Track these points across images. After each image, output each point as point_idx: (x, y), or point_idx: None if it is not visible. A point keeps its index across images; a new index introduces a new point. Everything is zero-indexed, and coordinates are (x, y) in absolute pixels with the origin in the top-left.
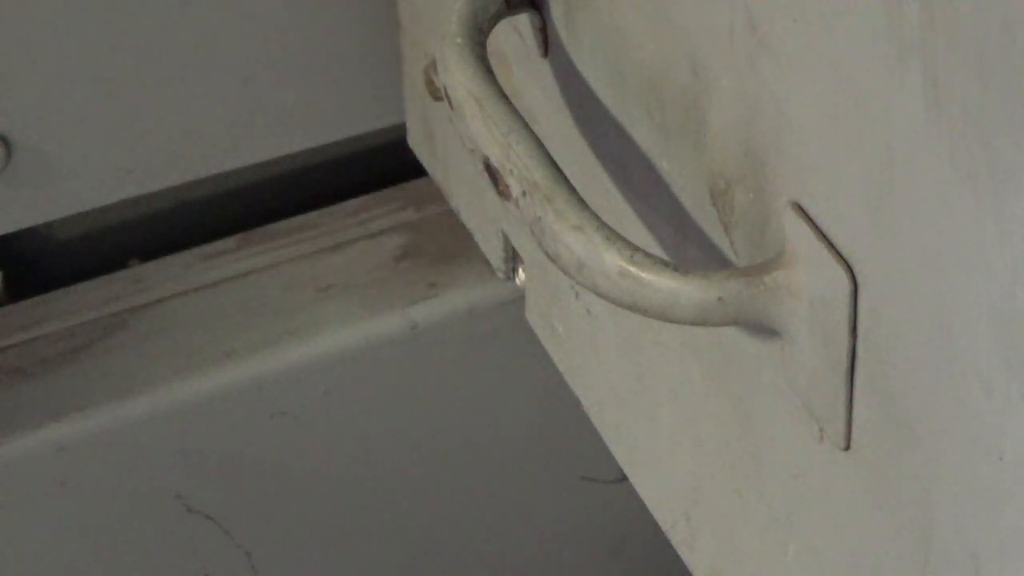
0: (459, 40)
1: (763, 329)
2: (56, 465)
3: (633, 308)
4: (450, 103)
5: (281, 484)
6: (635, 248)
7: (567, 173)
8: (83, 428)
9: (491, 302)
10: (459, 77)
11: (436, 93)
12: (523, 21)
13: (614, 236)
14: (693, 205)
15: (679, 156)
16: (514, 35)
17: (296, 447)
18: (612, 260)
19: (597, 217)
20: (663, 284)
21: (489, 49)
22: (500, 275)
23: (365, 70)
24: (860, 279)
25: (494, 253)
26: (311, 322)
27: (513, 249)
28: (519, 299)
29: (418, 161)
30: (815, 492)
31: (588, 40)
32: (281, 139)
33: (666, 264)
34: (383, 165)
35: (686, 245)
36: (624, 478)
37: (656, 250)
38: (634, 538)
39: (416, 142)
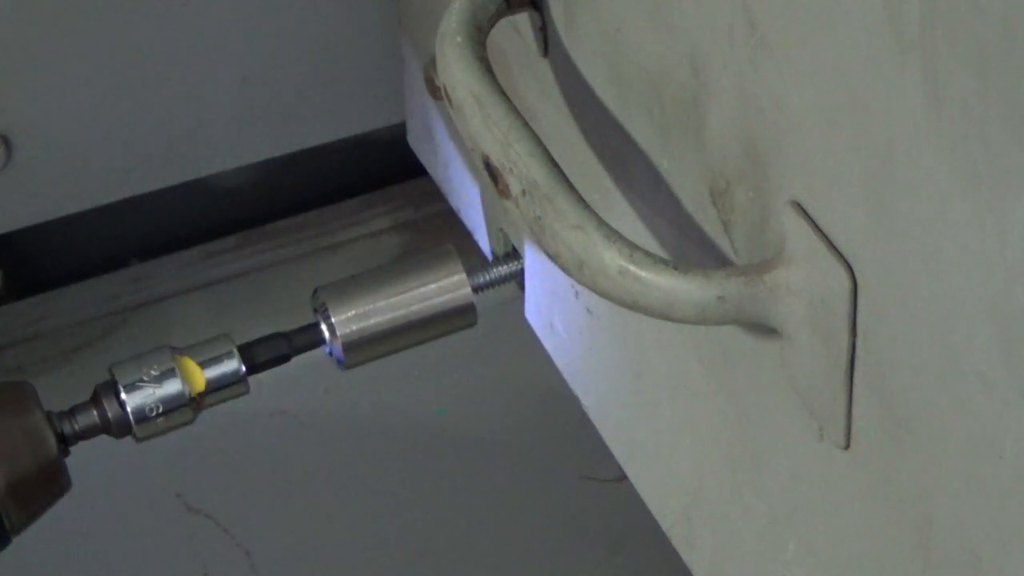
0: (459, 39)
1: (763, 328)
2: None
3: (633, 307)
4: (450, 102)
5: (281, 484)
6: (635, 247)
7: (567, 172)
8: None
9: (491, 302)
10: (459, 76)
11: (436, 92)
12: (523, 20)
13: (614, 235)
14: (693, 204)
15: (679, 155)
16: (514, 34)
17: (296, 447)
18: (612, 259)
19: (597, 216)
20: (663, 283)
21: (489, 48)
22: None
23: (365, 70)
24: (860, 278)
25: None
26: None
27: (513, 248)
28: (519, 299)
29: (418, 161)
30: (815, 491)
31: (588, 39)
32: (281, 139)
33: (666, 263)
34: (383, 165)
35: (686, 244)
36: (624, 478)
37: (656, 249)
38: (634, 538)
39: (416, 142)
